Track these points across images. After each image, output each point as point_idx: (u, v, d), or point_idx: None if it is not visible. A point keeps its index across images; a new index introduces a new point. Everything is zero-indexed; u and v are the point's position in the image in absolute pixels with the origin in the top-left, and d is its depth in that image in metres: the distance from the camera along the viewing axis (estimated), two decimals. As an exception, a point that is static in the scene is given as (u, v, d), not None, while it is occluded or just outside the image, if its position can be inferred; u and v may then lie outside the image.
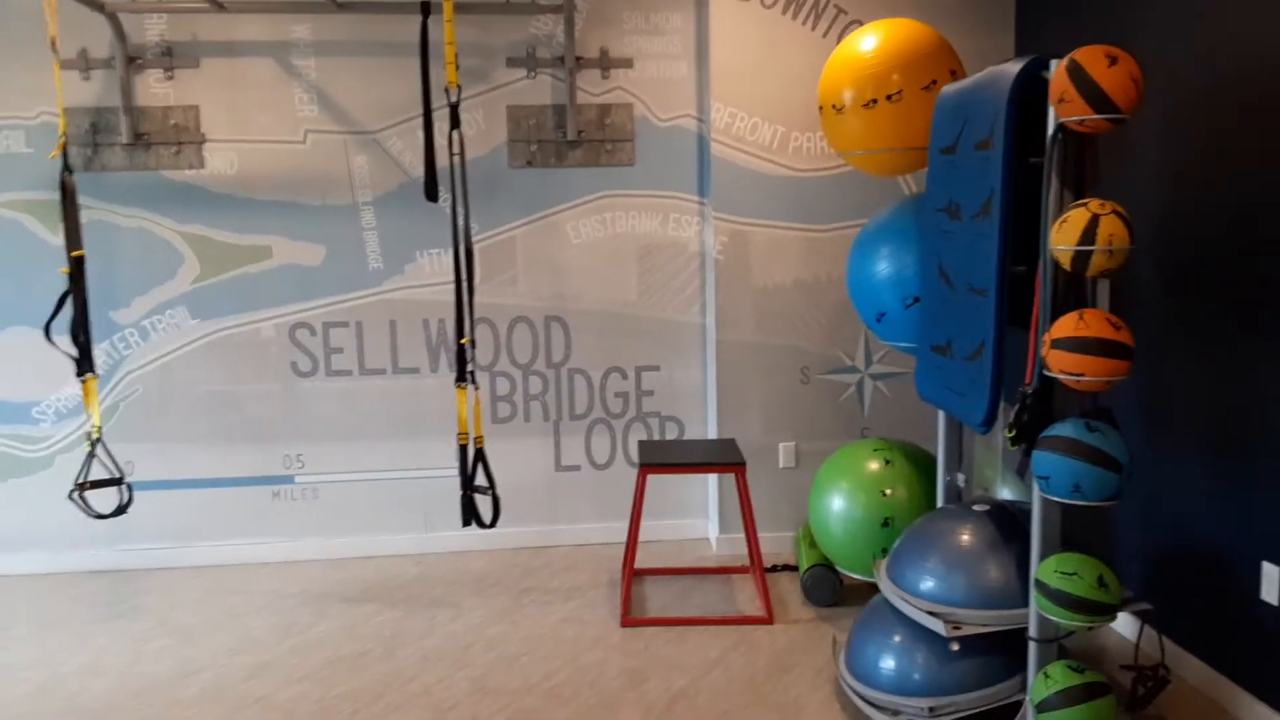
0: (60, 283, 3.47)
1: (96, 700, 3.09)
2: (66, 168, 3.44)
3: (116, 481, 3.61)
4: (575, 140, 4.12)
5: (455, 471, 3.59)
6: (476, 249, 4.12)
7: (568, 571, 4.06)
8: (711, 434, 4.28)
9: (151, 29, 3.95)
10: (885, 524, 3.41)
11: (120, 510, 3.63)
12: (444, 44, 3.37)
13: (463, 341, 3.50)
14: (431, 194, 3.57)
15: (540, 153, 4.14)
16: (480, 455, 3.55)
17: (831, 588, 3.65)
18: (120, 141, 3.97)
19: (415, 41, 3.53)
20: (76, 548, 4.14)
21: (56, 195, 3.50)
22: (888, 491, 3.45)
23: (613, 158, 4.16)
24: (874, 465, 3.52)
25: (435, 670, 3.24)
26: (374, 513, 4.28)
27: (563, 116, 4.11)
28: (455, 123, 3.42)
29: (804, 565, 3.73)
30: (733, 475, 3.80)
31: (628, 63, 4.12)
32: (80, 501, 3.51)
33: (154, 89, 3.99)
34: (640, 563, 4.07)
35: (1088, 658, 3.03)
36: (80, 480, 3.52)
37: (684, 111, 4.17)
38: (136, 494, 3.91)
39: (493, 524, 3.56)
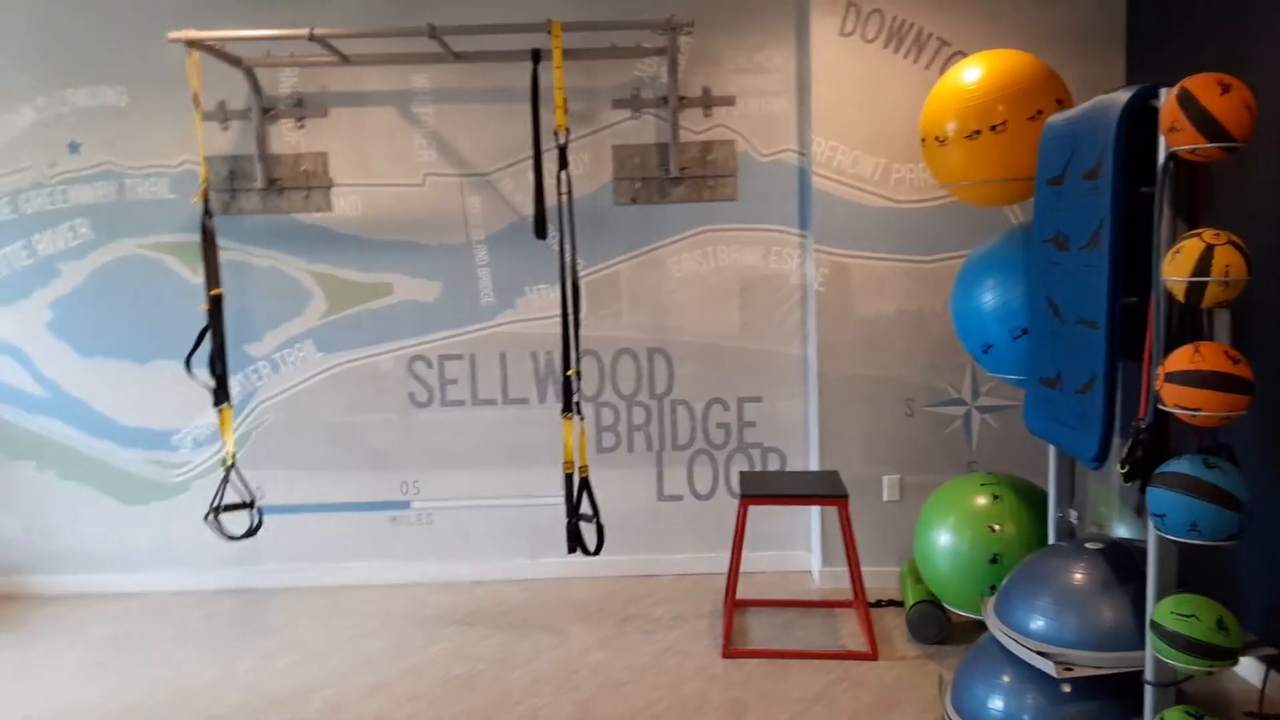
0: (200, 319, 3.74)
1: (227, 712, 3.28)
2: (207, 212, 3.72)
3: (248, 505, 3.84)
4: (678, 177, 4.22)
5: (561, 500, 3.69)
6: (582, 283, 4.25)
7: (670, 601, 4.10)
8: (813, 466, 4.27)
9: (284, 82, 4.23)
10: (993, 560, 3.35)
11: (251, 532, 3.86)
12: (554, 89, 3.52)
13: (569, 373, 3.62)
14: (540, 231, 3.73)
15: (644, 190, 4.25)
16: (585, 484, 3.65)
17: (938, 625, 3.59)
18: (255, 187, 4.25)
19: (527, 87, 3.70)
20: (211, 567, 4.40)
21: (197, 237, 3.79)
22: (996, 527, 3.38)
23: (715, 193, 4.24)
24: (982, 500, 3.46)
25: (542, 694, 3.32)
26: (484, 539, 4.42)
27: (666, 154, 4.22)
28: (563, 163, 3.55)
29: (909, 601, 3.68)
30: (835, 508, 3.78)
31: (730, 100, 4.20)
32: (215, 524, 3.75)
33: (286, 137, 4.26)
34: (742, 594, 4.08)
35: (1210, 704, 2.90)
36: (215, 504, 3.76)
37: (785, 146, 4.22)
38: (266, 517, 4.16)
39: (597, 551, 3.65)
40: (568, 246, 3.58)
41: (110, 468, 4.39)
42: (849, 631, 3.75)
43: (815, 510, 4.29)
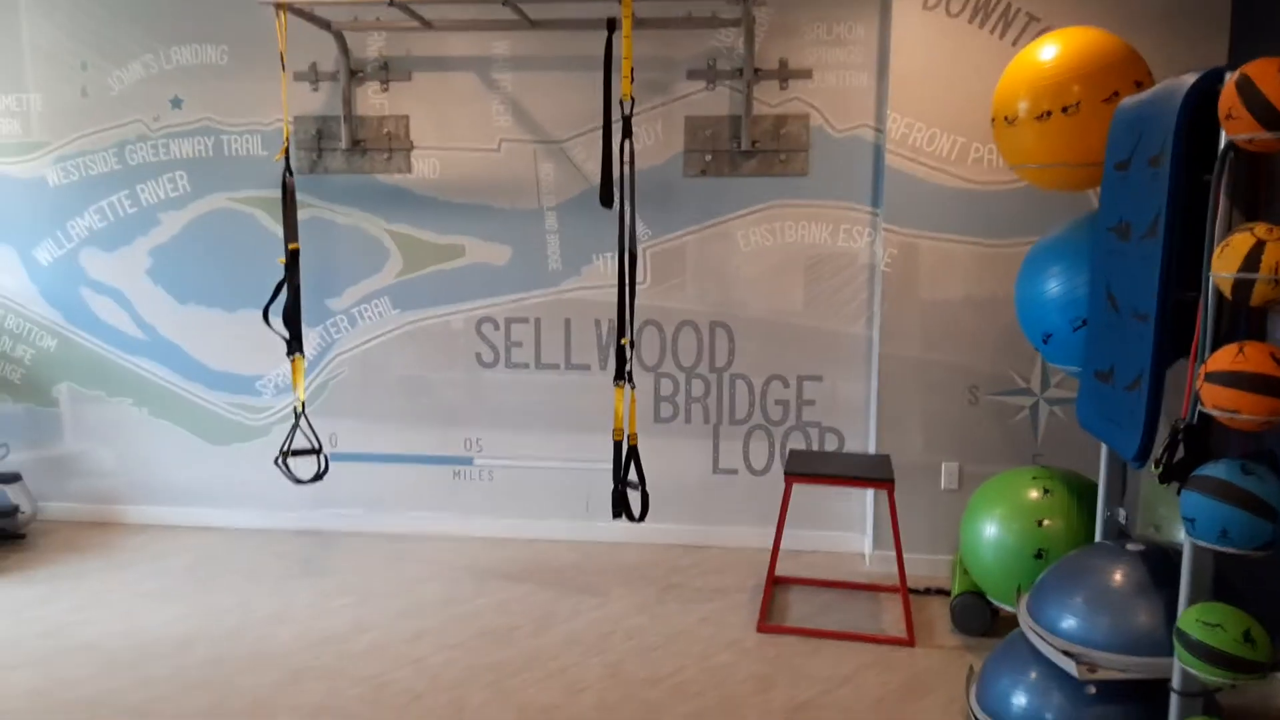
0: (281, 271, 3.93)
1: (279, 645, 3.47)
2: (289, 169, 3.89)
3: (314, 451, 4.03)
4: (750, 150, 4.18)
5: (616, 466, 3.76)
6: (648, 254, 4.28)
7: (715, 573, 4.13)
8: (871, 448, 4.22)
9: (371, 46, 4.36)
10: (1038, 555, 3.25)
11: (317, 477, 4.05)
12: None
13: (623, 342, 3.66)
14: (606, 200, 3.77)
15: (714, 162, 4.23)
16: (633, 452, 3.69)
17: (981, 617, 3.51)
18: (340, 147, 4.42)
19: (601, 56, 3.73)
20: (285, 508, 4.64)
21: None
22: (1044, 522, 3.29)
23: (786, 167, 4.19)
24: (1033, 494, 3.36)
25: (574, 653, 3.41)
26: (541, 498, 4.53)
27: (738, 127, 4.18)
28: (626, 133, 3.57)
29: (956, 591, 3.61)
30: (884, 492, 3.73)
31: (807, 74, 4.13)
32: (284, 467, 3.95)
33: (371, 100, 4.41)
34: (791, 572, 4.07)
35: (1250, 717, 2.77)
36: (285, 448, 3.97)
37: (861, 122, 4.13)
38: (340, 465, 4.36)
39: (641, 518, 3.70)
40: (627, 216, 3.61)
41: (198, 408, 4.67)
42: (891, 617, 3.70)
43: (870, 493, 4.23)
